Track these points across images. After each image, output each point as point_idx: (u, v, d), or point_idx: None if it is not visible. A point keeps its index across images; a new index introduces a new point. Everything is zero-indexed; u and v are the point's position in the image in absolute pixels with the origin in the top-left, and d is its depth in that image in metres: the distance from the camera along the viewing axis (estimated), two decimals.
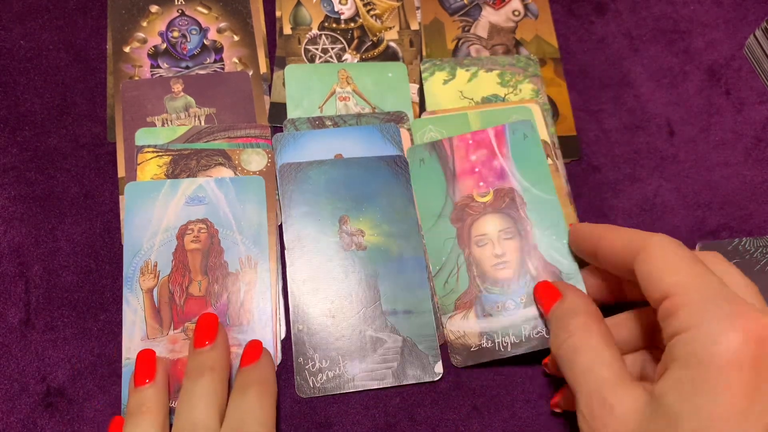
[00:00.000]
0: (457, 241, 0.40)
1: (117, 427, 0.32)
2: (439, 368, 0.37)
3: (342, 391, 0.37)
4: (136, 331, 0.37)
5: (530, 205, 0.41)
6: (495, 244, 0.40)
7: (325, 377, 0.37)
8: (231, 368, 0.35)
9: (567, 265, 0.39)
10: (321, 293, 0.39)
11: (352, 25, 0.48)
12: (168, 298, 0.38)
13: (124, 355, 0.36)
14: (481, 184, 0.41)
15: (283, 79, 0.45)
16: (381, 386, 0.37)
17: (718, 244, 0.40)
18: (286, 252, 0.39)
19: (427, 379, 0.37)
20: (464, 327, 0.38)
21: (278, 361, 0.38)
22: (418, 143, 0.43)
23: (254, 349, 0.34)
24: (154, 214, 0.39)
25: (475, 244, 0.40)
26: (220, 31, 0.47)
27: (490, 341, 0.38)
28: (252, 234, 0.40)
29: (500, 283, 0.39)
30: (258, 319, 0.38)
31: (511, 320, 0.38)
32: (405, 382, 0.37)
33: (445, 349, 0.39)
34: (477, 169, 0.42)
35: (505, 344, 0.38)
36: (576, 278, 0.39)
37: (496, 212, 0.41)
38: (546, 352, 0.37)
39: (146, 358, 0.34)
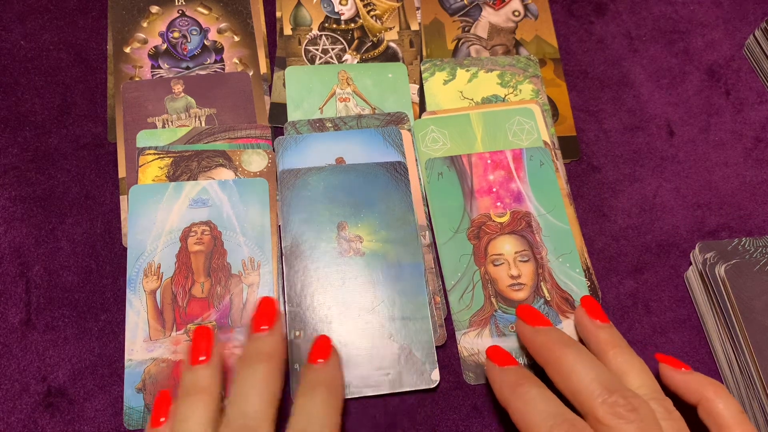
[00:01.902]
0: (472, 258, 0.40)
1: (164, 402, 0.31)
2: (435, 375, 0.37)
3: None
4: (139, 333, 0.37)
5: (545, 231, 0.41)
6: (511, 265, 0.40)
7: None
8: (286, 356, 0.33)
9: (579, 294, 0.40)
10: (318, 299, 0.39)
11: (353, 25, 0.48)
12: (171, 300, 0.38)
13: (126, 356, 0.36)
14: (499, 204, 0.42)
15: (284, 79, 0.45)
16: (377, 393, 0.37)
17: (718, 244, 0.40)
18: (283, 258, 0.39)
19: (423, 386, 0.37)
20: (478, 345, 0.38)
21: None
22: (422, 147, 0.43)
23: (324, 345, 0.32)
24: (158, 217, 0.39)
25: (491, 263, 0.40)
26: (220, 31, 0.47)
27: None
28: (255, 236, 0.40)
29: (515, 303, 0.39)
30: None
31: None
32: (401, 389, 0.37)
33: (441, 352, 0.39)
34: (495, 189, 0.42)
35: None
36: None
37: (513, 234, 0.41)
38: None
39: (203, 335, 0.31)
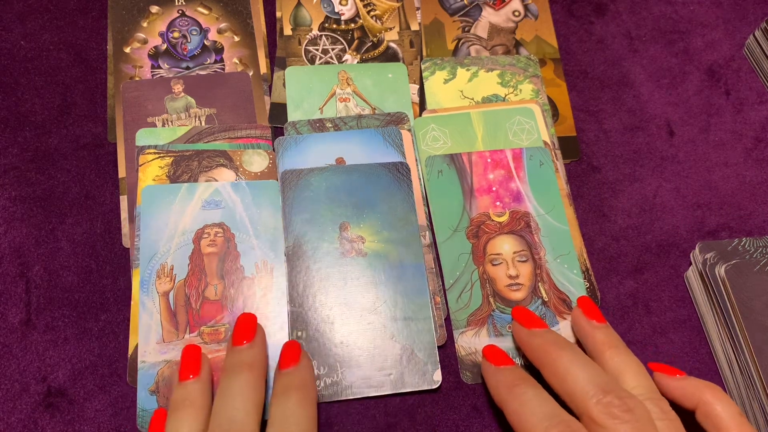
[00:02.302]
0: (471, 257, 0.40)
1: (160, 419, 0.32)
2: (437, 376, 0.37)
3: (339, 399, 0.37)
4: (152, 335, 0.37)
5: (543, 231, 0.41)
6: (509, 265, 0.40)
7: (322, 384, 0.37)
8: (268, 368, 0.34)
9: (577, 296, 0.39)
10: (320, 300, 0.39)
11: (353, 25, 0.48)
12: (184, 302, 0.38)
13: (140, 358, 0.36)
14: (498, 203, 0.42)
15: (284, 79, 0.45)
16: (379, 394, 0.37)
17: (718, 244, 0.40)
18: (285, 259, 0.39)
19: (425, 387, 0.37)
20: (476, 344, 0.38)
21: None
22: (423, 146, 0.43)
23: (293, 351, 0.33)
24: (171, 218, 0.39)
25: (490, 263, 0.40)
26: (220, 31, 0.47)
27: None
28: (268, 238, 0.39)
29: (513, 303, 0.39)
30: (273, 324, 0.38)
31: None
32: (403, 390, 0.37)
33: (442, 352, 0.39)
34: (494, 189, 0.42)
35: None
36: None
37: (512, 234, 0.41)
38: None
39: (192, 353, 0.33)
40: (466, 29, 0.49)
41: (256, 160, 0.42)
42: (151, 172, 0.41)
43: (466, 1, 0.50)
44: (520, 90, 0.46)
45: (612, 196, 0.45)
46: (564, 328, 0.39)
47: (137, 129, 0.42)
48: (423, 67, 0.47)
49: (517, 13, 0.50)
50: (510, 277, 0.40)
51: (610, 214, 0.44)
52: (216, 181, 0.41)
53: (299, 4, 0.48)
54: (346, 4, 0.49)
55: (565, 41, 0.50)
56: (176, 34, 0.46)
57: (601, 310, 0.41)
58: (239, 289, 0.38)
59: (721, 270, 0.38)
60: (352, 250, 0.40)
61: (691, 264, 0.42)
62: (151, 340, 0.37)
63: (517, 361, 0.38)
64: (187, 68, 0.45)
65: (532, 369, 0.34)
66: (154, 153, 0.41)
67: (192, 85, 0.44)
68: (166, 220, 0.39)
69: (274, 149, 0.42)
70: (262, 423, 0.31)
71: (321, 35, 0.48)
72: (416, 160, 0.43)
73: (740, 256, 0.39)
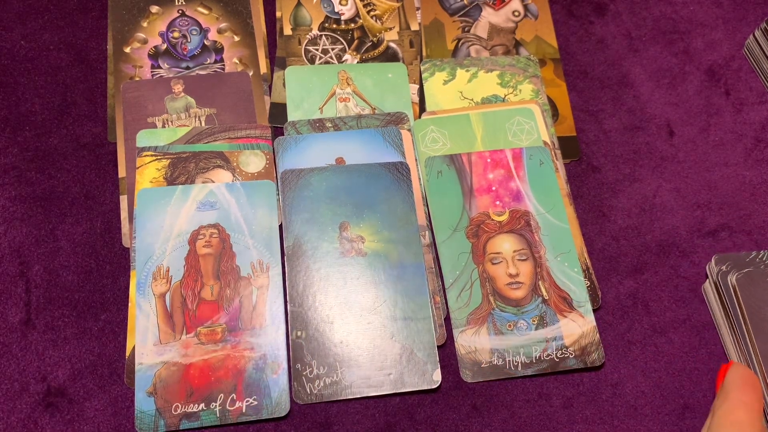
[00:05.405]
0: (471, 256, 0.40)
1: None
2: (437, 376, 0.37)
3: (339, 398, 0.37)
4: (149, 336, 0.37)
5: (544, 230, 0.41)
6: (509, 264, 0.40)
7: (322, 383, 0.37)
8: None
9: (578, 293, 0.39)
10: (320, 299, 0.39)
11: (353, 25, 0.48)
12: (180, 303, 0.38)
13: (137, 360, 0.36)
14: (498, 203, 0.42)
15: (284, 79, 0.45)
16: (379, 393, 0.37)
17: (735, 256, 0.40)
18: (285, 258, 0.39)
19: (425, 387, 0.37)
20: (475, 343, 0.38)
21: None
22: (422, 148, 0.43)
23: None
24: (166, 220, 0.39)
25: (490, 262, 0.40)
26: (220, 31, 0.47)
27: (501, 359, 0.38)
28: (263, 238, 0.39)
29: (513, 302, 0.39)
30: (271, 323, 0.38)
31: (522, 340, 0.38)
32: (403, 390, 0.37)
33: (441, 351, 0.39)
34: (494, 188, 0.42)
35: (515, 363, 0.38)
36: (585, 306, 0.39)
37: (512, 233, 0.41)
38: (555, 374, 0.39)
39: None
40: (466, 29, 0.49)
41: (253, 161, 0.42)
42: (149, 174, 0.41)
43: (466, 1, 0.50)
44: (520, 90, 0.46)
45: (612, 196, 0.45)
46: (565, 326, 0.39)
47: (137, 129, 0.42)
48: (422, 68, 0.47)
49: (516, 13, 0.50)
50: (510, 275, 0.40)
51: (610, 214, 0.44)
52: (213, 182, 0.41)
53: (299, 4, 0.48)
54: (346, 4, 0.49)
55: (565, 41, 0.50)
56: (176, 34, 0.46)
57: (601, 310, 0.41)
58: (235, 289, 0.38)
59: (732, 278, 0.38)
60: (352, 249, 0.40)
61: (707, 277, 0.42)
62: (148, 342, 0.37)
63: (521, 359, 0.38)
64: (187, 68, 0.45)
65: None
66: (151, 155, 0.41)
67: (192, 85, 0.44)
68: (161, 222, 0.39)
69: (273, 149, 0.42)
70: None
71: (321, 35, 0.48)
72: (416, 160, 0.43)
73: (755, 266, 0.39)
